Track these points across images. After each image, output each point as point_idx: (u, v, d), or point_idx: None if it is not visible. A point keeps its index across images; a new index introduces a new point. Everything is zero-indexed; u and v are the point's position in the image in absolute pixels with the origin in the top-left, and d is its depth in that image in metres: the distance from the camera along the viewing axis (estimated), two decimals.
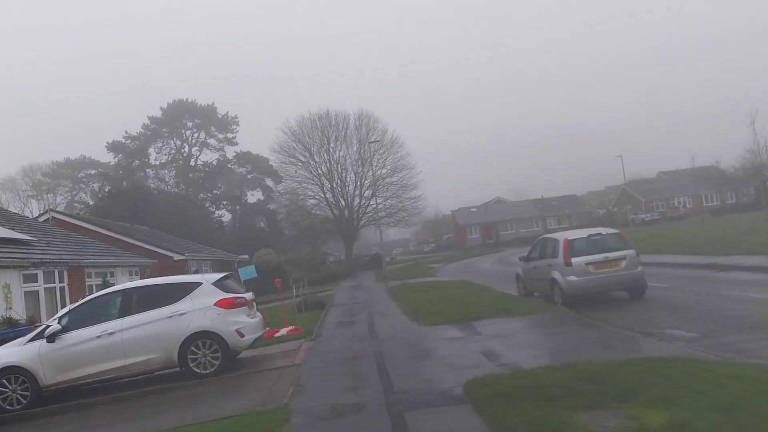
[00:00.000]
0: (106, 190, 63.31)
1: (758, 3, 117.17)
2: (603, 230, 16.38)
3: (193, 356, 10.98)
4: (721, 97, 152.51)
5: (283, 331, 14.91)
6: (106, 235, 32.95)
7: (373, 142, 45.44)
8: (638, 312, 13.62)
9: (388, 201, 62.60)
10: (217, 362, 11.00)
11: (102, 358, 10.83)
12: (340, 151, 62.71)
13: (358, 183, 63.52)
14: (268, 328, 15.49)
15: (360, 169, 62.91)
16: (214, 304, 11.17)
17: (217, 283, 11.56)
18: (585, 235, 15.80)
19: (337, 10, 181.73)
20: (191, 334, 10.96)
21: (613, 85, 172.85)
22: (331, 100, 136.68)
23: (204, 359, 11.00)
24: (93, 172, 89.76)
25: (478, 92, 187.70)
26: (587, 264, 14.86)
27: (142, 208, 55.59)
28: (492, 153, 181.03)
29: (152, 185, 79.84)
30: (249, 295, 12.06)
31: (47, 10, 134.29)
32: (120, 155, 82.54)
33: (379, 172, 59.56)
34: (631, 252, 15.20)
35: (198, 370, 10.96)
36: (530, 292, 17.97)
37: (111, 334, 10.89)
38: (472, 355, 9.95)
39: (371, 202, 62.75)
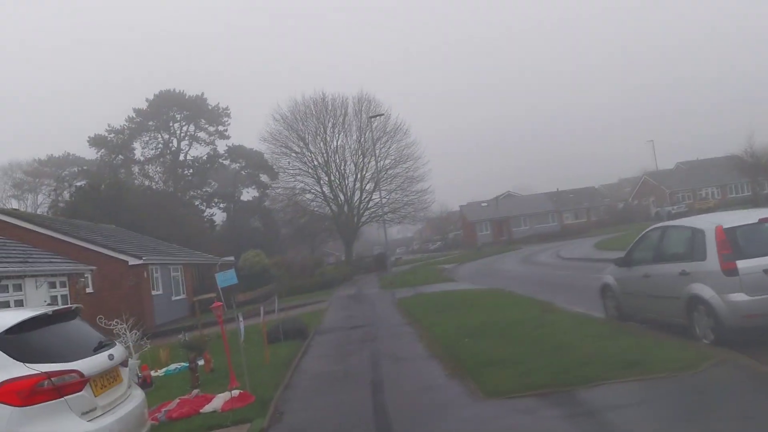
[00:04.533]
0: (76, 186, 57.15)
1: None
2: None
3: None
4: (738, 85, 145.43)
5: (217, 404, 8.09)
6: (46, 235, 26.42)
7: (374, 116, 38.69)
8: None
9: (392, 194, 55.96)
10: None
11: None
12: (338, 139, 56.16)
13: (359, 175, 56.96)
14: (197, 392, 8.78)
15: (360, 160, 56.37)
16: None
17: (8, 339, 4.79)
18: (754, 220, 9.03)
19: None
20: None
21: (619, 77, 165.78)
22: (330, 90, 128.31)
23: None
24: (77, 169, 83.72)
25: (483, 84, 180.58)
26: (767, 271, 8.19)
27: (118, 207, 49.66)
28: (496, 148, 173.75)
29: (137, 182, 74.12)
30: (98, 361, 5.25)
31: (27, 1, 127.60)
32: (102, 150, 76.54)
33: (381, 162, 52.72)
34: None
35: None
36: (630, 314, 11.24)
37: None
38: None
39: (373, 196, 56.19)
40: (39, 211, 70.86)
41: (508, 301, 15.51)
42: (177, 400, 8.58)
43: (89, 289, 26.67)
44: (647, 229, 11.31)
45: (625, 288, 11.34)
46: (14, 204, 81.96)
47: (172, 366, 12.94)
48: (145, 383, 10.63)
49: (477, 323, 12.33)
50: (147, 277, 27.79)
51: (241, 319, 9.08)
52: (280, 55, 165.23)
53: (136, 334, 12.62)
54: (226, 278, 32.05)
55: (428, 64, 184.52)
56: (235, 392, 8.30)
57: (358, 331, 14.67)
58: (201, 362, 11.87)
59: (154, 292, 28.46)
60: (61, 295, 19.77)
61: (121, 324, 12.36)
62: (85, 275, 22.07)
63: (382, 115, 38.29)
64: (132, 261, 27.02)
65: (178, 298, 32.02)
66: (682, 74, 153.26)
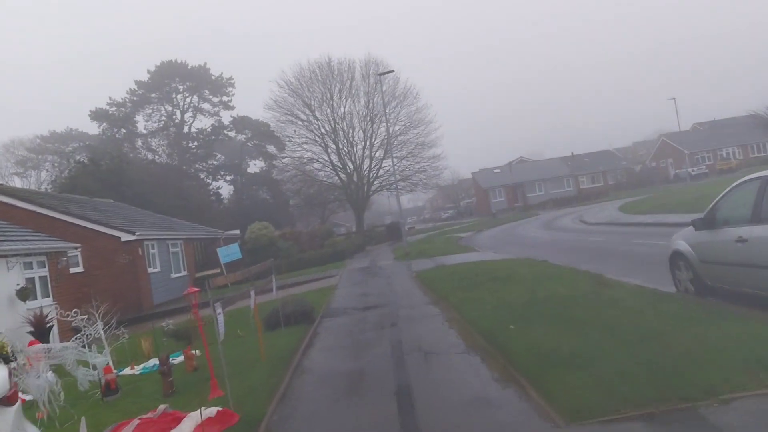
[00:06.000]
0: (76, 161, 55.17)
1: None
2: None
3: None
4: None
5: (187, 428, 5.91)
6: (30, 211, 24.42)
7: (384, 73, 36.01)
8: None
9: (403, 162, 53.50)
10: None
11: None
12: (346, 106, 53.61)
13: (368, 142, 54.53)
14: (163, 408, 6.59)
15: (369, 126, 53.88)
16: None
17: None
18: None
19: None
20: None
21: (630, 36, 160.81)
22: (336, 53, 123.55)
23: None
24: (78, 144, 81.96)
25: (491, 48, 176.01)
26: None
27: (119, 181, 47.87)
28: (505, 115, 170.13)
29: (141, 156, 72.36)
30: None
31: None
32: (104, 124, 74.56)
33: (391, 128, 50.11)
34: None
35: None
36: (712, 288, 8.96)
37: None
38: None
39: (383, 164, 53.89)
40: (42, 189, 69.28)
41: (549, 273, 13.19)
42: (136, 421, 6.39)
43: (79, 268, 24.70)
44: (739, 181, 8.90)
45: (706, 256, 9.02)
46: (17, 182, 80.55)
47: (152, 362, 10.77)
48: (108, 389, 8.50)
49: (519, 302, 10.06)
50: (142, 253, 25.68)
51: (218, 310, 6.81)
52: (285, 21, 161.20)
53: (99, 324, 10.39)
54: (228, 253, 29.41)
55: (437, 27, 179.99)
56: (211, 411, 6.09)
57: (373, 313, 12.42)
58: (180, 358, 9.71)
59: (150, 270, 26.37)
60: (39, 277, 17.68)
61: (84, 314, 10.15)
62: (68, 253, 19.94)
63: (392, 71, 35.82)
64: (125, 237, 24.88)
65: (178, 275, 29.95)
66: (694, 33, 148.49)
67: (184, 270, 31.48)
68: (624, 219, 30.60)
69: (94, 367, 9.82)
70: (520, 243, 27.06)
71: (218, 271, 31.04)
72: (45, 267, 18.12)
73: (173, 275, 29.34)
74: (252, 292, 9.17)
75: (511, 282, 12.49)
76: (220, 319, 6.79)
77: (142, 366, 10.73)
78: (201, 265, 35.71)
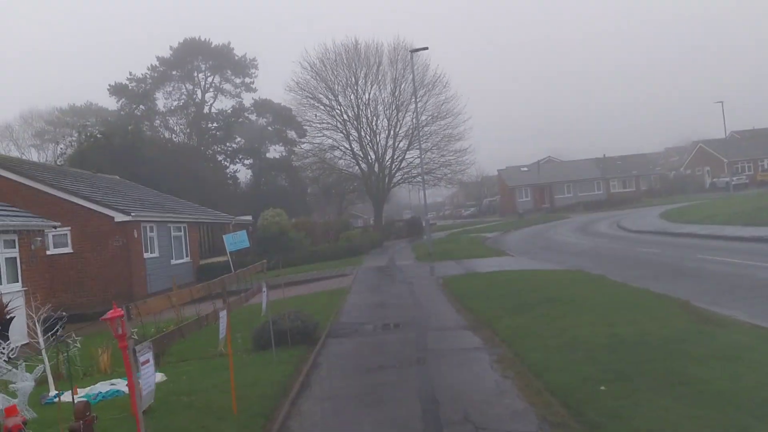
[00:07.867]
0: (88, 134, 53.16)
1: None
2: None
3: None
4: None
5: None
6: (16, 182, 22.06)
7: (416, 50, 33.00)
8: None
9: (428, 154, 50.54)
10: None
11: None
12: (371, 92, 50.80)
13: (392, 132, 51.62)
14: None
15: (394, 115, 51.00)
16: None
17: None
18: None
19: None
20: None
21: (663, 42, 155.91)
22: (363, 34, 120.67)
23: None
24: (94, 119, 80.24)
25: (521, 43, 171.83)
26: None
27: (132, 158, 45.94)
28: (533, 112, 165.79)
29: (159, 134, 70.57)
30: None
31: None
32: (123, 99, 72.74)
33: (420, 118, 47.15)
34: None
35: None
36: None
37: None
38: None
39: (407, 155, 51.08)
40: (58, 163, 67.59)
41: (619, 296, 10.31)
42: None
43: (68, 249, 22.33)
44: None
45: None
46: (34, 153, 78.95)
47: (102, 386, 8.08)
48: None
49: (597, 341, 7.24)
50: (138, 236, 23.18)
51: (144, 354, 4.06)
52: (313, 4, 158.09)
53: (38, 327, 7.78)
54: (235, 241, 26.51)
55: (467, 17, 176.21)
56: None
57: (393, 336, 9.63)
58: (120, 390, 7.03)
59: (147, 255, 23.88)
60: (7, 258, 15.22)
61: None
62: (46, 232, 17.45)
63: (426, 48, 32.71)
64: (119, 217, 22.38)
65: (179, 261, 27.47)
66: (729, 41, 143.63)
67: (187, 256, 29.03)
68: (672, 228, 27.60)
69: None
70: (557, 249, 24.13)
71: (225, 258, 28.61)
72: (15, 247, 15.64)
73: (174, 261, 26.88)
74: (222, 314, 6.45)
75: (574, 307, 9.64)
76: (147, 372, 4.05)
77: (86, 390, 8.09)
78: (207, 251, 33.30)
